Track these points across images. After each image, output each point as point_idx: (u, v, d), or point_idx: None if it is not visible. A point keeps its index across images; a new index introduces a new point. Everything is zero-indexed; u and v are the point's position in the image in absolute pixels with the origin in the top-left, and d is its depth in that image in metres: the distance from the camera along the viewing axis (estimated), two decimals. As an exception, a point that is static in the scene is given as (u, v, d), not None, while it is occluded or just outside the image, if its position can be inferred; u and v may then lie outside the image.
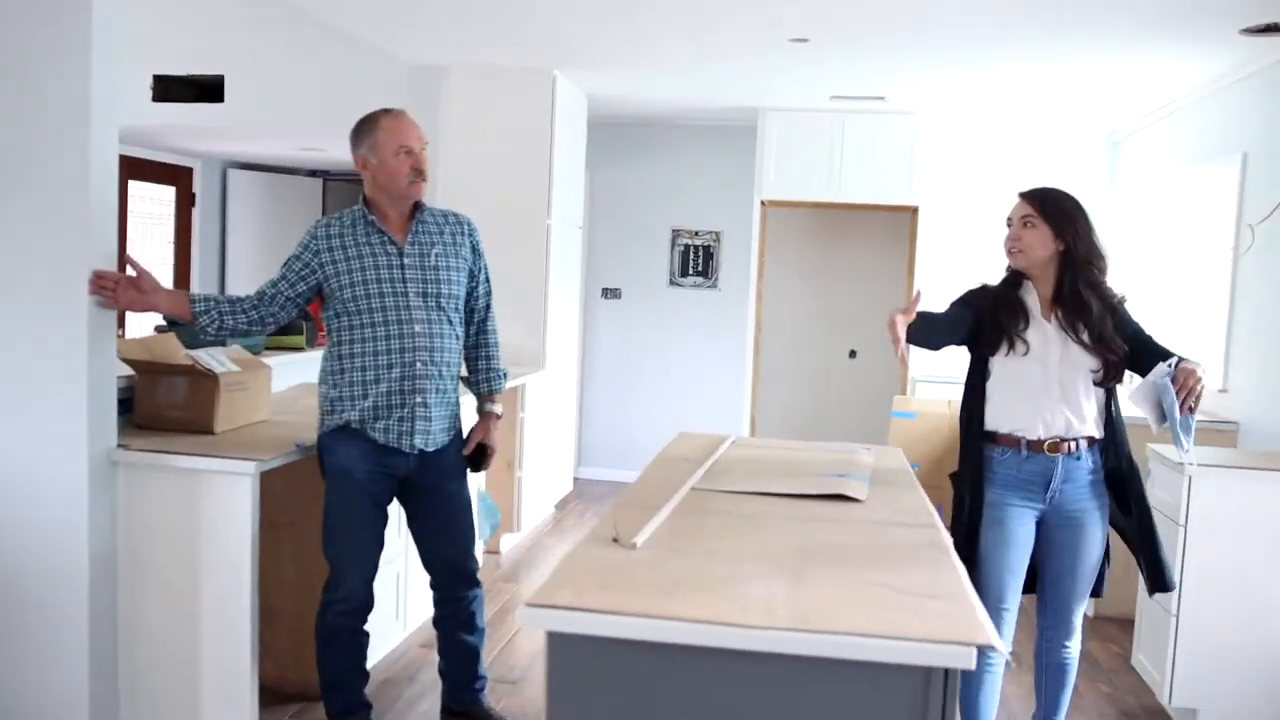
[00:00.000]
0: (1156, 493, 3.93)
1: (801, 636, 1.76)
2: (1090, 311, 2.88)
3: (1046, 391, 2.91)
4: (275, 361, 4.06)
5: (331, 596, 3.13)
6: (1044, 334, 2.93)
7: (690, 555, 2.17)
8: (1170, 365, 2.78)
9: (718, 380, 7.44)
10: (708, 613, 1.81)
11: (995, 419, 3.00)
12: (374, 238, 3.07)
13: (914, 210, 6.67)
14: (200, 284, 7.28)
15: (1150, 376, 2.81)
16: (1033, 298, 2.99)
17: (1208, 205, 5.26)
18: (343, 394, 3.06)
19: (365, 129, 3.05)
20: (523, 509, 5.69)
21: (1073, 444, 2.91)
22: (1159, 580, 2.97)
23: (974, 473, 3.03)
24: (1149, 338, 2.98)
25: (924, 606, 1.89)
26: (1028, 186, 3.03)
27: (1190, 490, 3.64)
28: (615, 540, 2.25)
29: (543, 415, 5.98)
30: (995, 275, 7.05)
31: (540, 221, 5.85)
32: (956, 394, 6.73)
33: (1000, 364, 2.97)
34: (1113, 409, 2.98)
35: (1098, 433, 2.94)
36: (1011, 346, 2.93)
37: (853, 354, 7.34)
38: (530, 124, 5.80)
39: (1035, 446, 2.92)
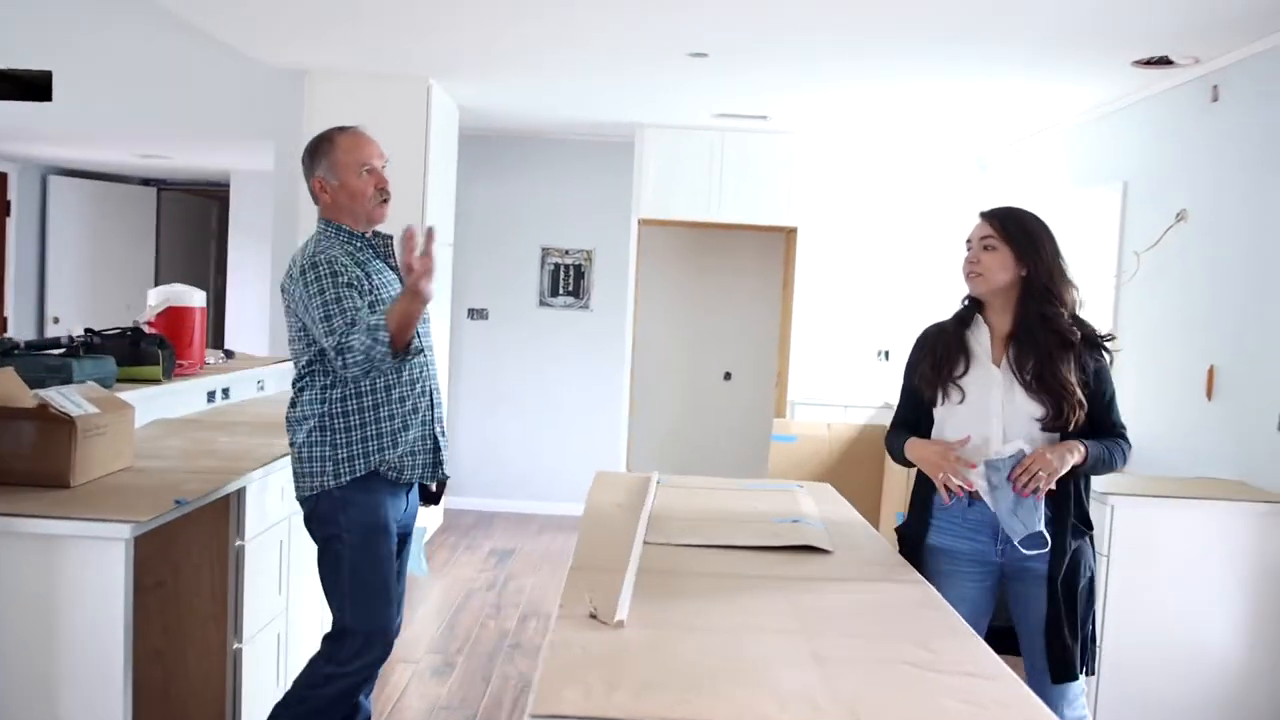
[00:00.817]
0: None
1: (860, 739, 1.53)
2: (1039, 347, 2.57)
3: (986, 442, 2.58)
4: (127, 398, 3.56)
5: (345, 668, 2.76)
6: (986, 378, 2.62)
7: (685, 633, 1.91)
8: (1018, 451, 2.51)
9: (591, 403, 7.18)
10: (748, 715, 1.56)
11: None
12: (378, 262, 2.84)
13: (792, 231, 6.62)
14: (15, 303, 6.51)
15: (1003, 452, 2.54)
16: (983, 335, 2.68)
17: (1089, 231, 5.37)
18: (368, 435, 2.72)
19: (321, 149, 2.78)
20: (397, 549, 5.27)
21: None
22: (1060, 667, 2.58)
23: (919, 517, 2.75)
24: (1106, 405, 2.63)
25: (975, 692, 1.69)
26: (989, 206, 2.75)
27: (1113, 520, 3.62)
28: (593, 616, 1.97)
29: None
30: (872, 296, 6.95)
31: (413, 239, 5.46)
32: (835, 416, 6.85)
33: (940, 412, 2.69)
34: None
35: (1051, 484, 2.52)
36: (946, 395, 2.65)
37: (728, 376, 7.22)
38: (403, 136, 5.40)
39: (978, 496, 2.60)
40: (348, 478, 2.71)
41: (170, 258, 8.16)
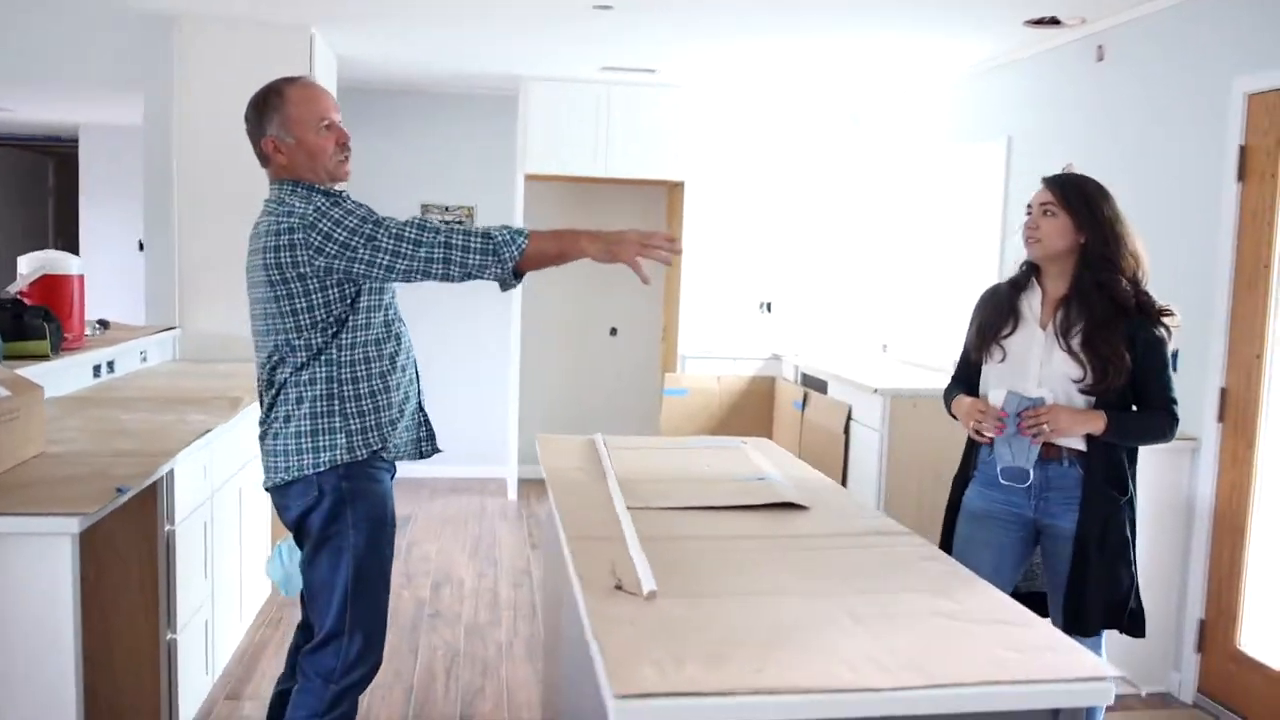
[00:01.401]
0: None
1: (937, 694, 1.56)
2: (1092, 313, 2.61)
3: (1043, 392, 2.64)
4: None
5: (350, 677, 2.49)
6: (1029, 339, 2.71)
7: (717, 600, 1.90)
8: (1039, 398, 2.61)
9: (478, 362, 7.05)
10: (825, 679, 1.57)
11: None
12: None
13: (679, 185, 6.62)
14: None
15: (1028, 392, 2.65)
16: (1034, 298, 2.75)
17: (973, 184, 5.57)
18: (379, 406, 2.50)
19: (270, 104, 2.46)
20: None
21: (1057, 451, 2.66)
22: (1072, 619, 2.62)
23: (962, 468, 2.91)
24: (1154, 378, 2.61)
25: (1016, 638, 1.75)
26: (1050, 173, 2.81)
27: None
28: (619, 588, 1.94)
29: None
30: (755, 249, 7.04)
31: (299, 198, 5.18)
32: (723, 369, 6.94)
33: (986, 369, 2.81)
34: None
35: (1083, 445, 2.63)
36: (989, 354, 2.77)
37: (614, 331, 7.20)
38: (285, 87, 5.10)
39: (1005, 473, 2.71)
40: (364, 452, 2.45)
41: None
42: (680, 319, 6.64)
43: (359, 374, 2.47)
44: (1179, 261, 3.86)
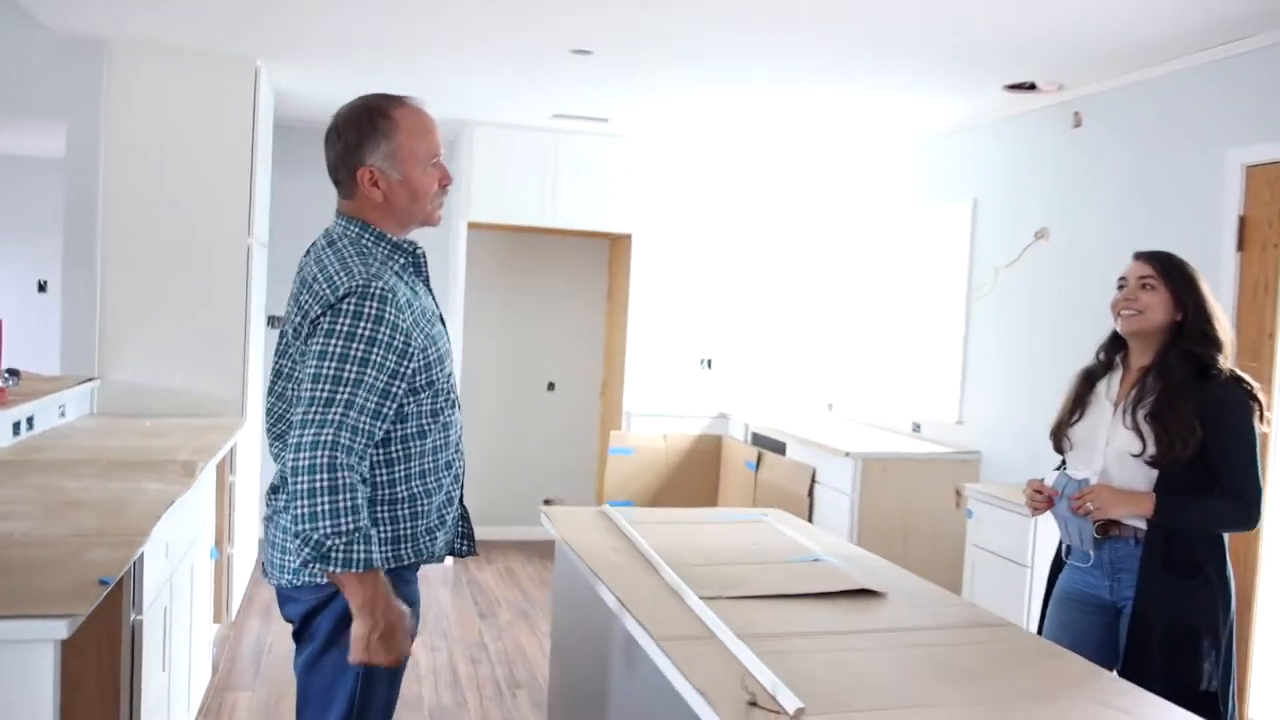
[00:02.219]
0: (985, 533, 4.00)
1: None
2: (1170, 380, 2.50)
3: (1092, 470, 2.60)
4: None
5: None
6: (1097, 419, 2.65)
7: (875, 716, 1.68)
8: (1084, 479, 2.57)
9: (406, 419, 6.67)
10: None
11: None
12: (420, 286, 2.16)
13: (624, 237, 6.43)
14: None
15: (1068, 473, 2.64)
16: (1114, 380, 2.68)
17: (936, 244, 5.54)
18: (419, 511, 2.10)
19: (377, 127, 2.05)
20: (233, 592, 4.61)
21: (1123, 529, 2.56)
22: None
23: (1058, 550, 2.79)
24: (1223, 457, 2.46)
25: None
26: (1146, 249, 2.71)
27: (1035, 532, 3.71)
28: (754, 704, 1.70)
29: (251, 478, 4.93)
30: (703, 304, 6.89)
31: (239, 241, 4.79)
32: (671, 427, 6.70)
33: (1065, 457, 2.76)
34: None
35: (1141, 524, 2.52)
36: (1061, 446, 2.76)
37: (551, 386, 6.92)
38: (226, 124, 4.72)
39: (1070, 552, 2.71)
40: (395, 564, 2.07)
41: None
42: (626, 374, 6.41)
43: (395, 475, 2.07)
44: (1175, 329, 3.84)
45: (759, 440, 6.02)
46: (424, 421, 2.09)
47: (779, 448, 5.75)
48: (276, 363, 2.19)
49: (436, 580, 5.84)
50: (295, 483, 1.89)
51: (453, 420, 2.18)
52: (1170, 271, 2.59)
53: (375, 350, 1.94)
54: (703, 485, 6.39)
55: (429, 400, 2.09)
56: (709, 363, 6.64)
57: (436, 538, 2.16)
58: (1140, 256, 2.67)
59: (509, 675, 4.41)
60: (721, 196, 6.52)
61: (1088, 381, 2.73)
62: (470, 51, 4.49)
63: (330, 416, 1.90)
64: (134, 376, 4.59)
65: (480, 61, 4.66)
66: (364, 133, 2.05)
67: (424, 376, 2.07)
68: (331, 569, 1.89)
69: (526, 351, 6.85)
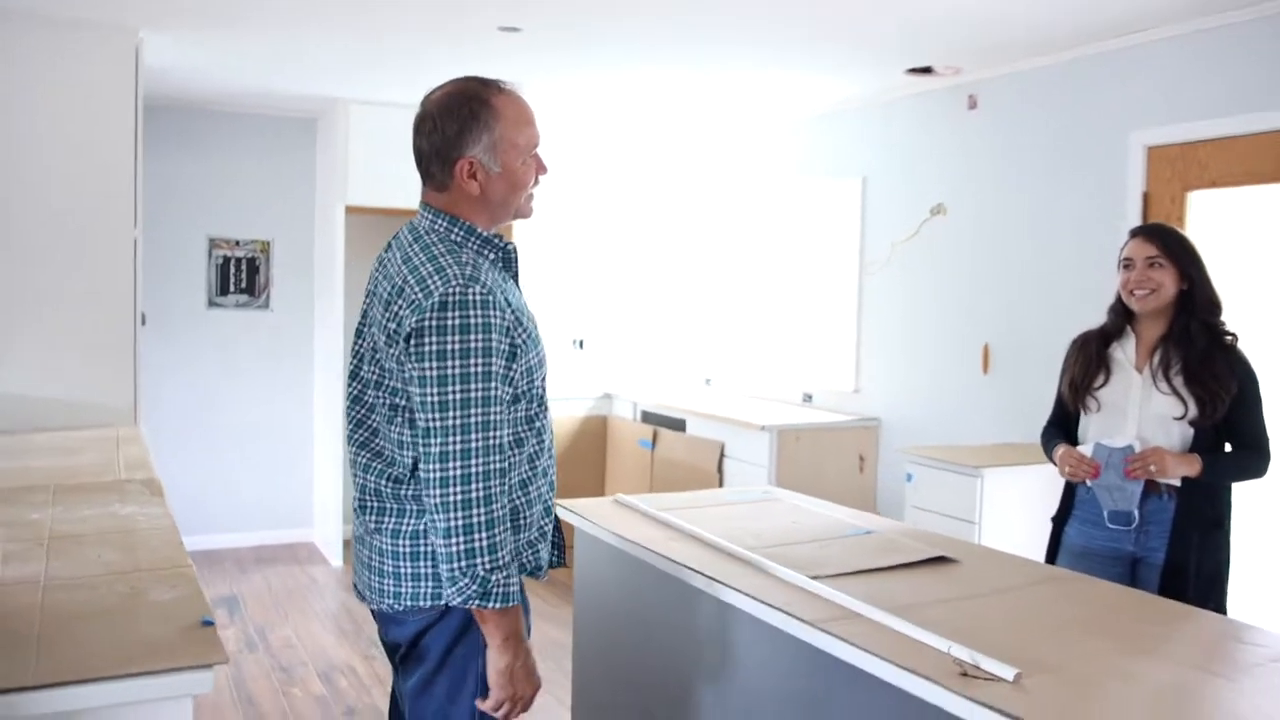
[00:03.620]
0: (926, 494, 4.23)
1: None
2: (1195, 348, 2.72)
3: (1128, 439, 2.77)
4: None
5: None
6: (1125, 384, 2.82)
7: (1087, 676, 1.79)
8: (1128, 445, 2.75)
9: (277, 417, 6.29)
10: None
11: None
12: (512, 284, 2.04)
13: (507, 219, 6.29)
14: None
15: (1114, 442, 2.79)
16: (1129, 345, 2.86)
17: (826, 220, 5.75)
18: (535, 516, 2.02)
19: (479, 117, 1.93)
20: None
21: (1156, 487, 2.76)
22: None
23: (1061, 507, 2.96)
24: (1246, 413, 2.71)
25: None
26: (1144, 224, 2.95)
27: (982, 491, 3.97)
28: (965, 675, 1.77)
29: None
30: (574, 285, 7.04)
31: (124, 233, 4.35)
32: (557, 410, 6.60)
33: (1085, 419, 2.91)
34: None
35: (1177, 481, 2.73)
36: (1086, 407, 2.88)
37: (425, 375, 6.70)
38: (108, 100, 4.28)
39: (1113, 517, 2.82)
40: (519, 583, 1.94)
41: None
42: (510, 359, 6.29)
43: (522, 476, 2.00)
44: (1078, 296, 4.17)
45: (651, 418, 6.08)
46: (520, 429, 1.99)
47: (677, 424, 5.84)
48: (354, 363, 2.07)
49: (332, 584, 5.57)
50: (449, 519, 1.79)
51: (546, 425, 2.09)
52: (1173, 247, 2.80)
53: (494, 360, 1.85)
54: (590, 467, 6.40)
55: (525, 406, 2.00)
56: (580, 343, 6.63)
57: (539, 550, 2.08)
58: (1141, 234, 2.86)
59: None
60: (601, 176, 6.51)
61: (1104, 345, 2.90)
62: (344, 24, 4.26)
63: (474, 445, 1.81)
64: (21, 387, 4.11)
65: (354, 34, 4.42)
66: (466, 122, 1.93)
67: (525, 381, 1.98)
68: (492, 605, 1.81)
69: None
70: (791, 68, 4.84)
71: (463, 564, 1.79)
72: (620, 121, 6.34)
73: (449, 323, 1.82)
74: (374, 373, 2.01)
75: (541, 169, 2.07)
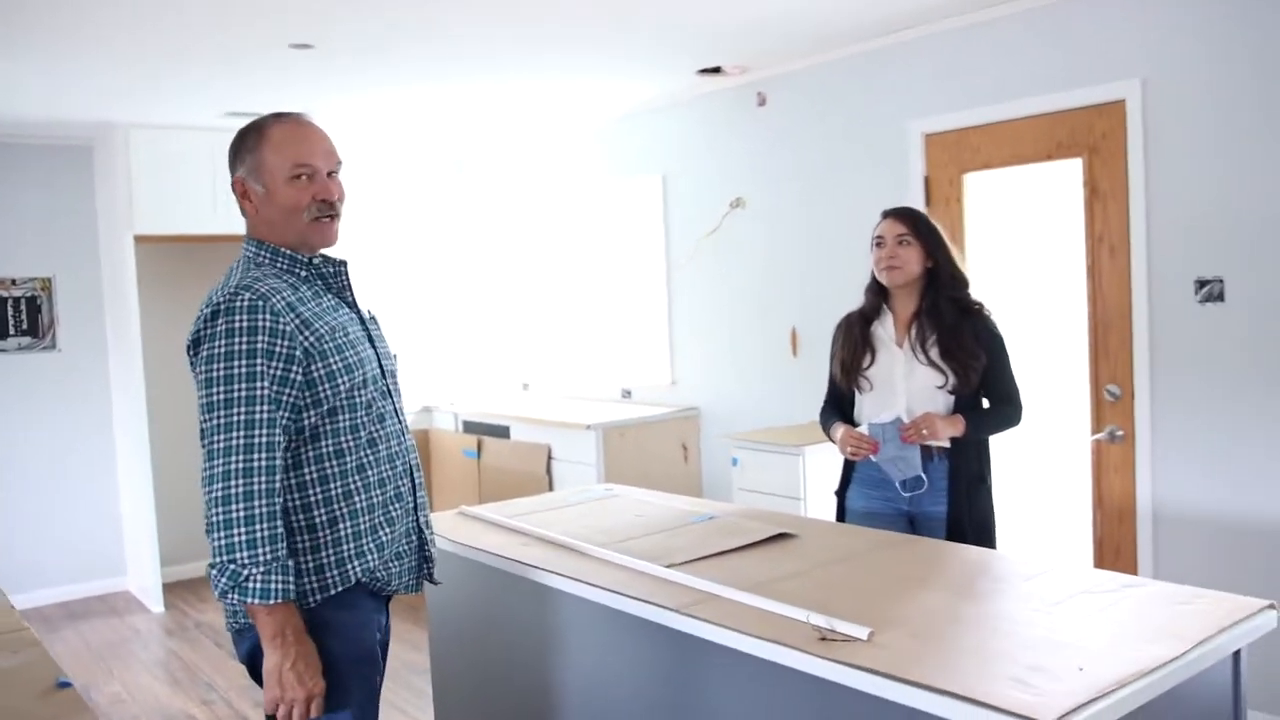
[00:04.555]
0: (753, 476, 4.44)
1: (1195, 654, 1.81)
2: (944, 322, 2.96)
3: (895, 412, 2.96)
4: None
5: None
6: (890, 361, 3.03)
7: (926, 626, 1.97)
8: (896, 418, 2.93)
9: (77, 462, 5.92)
10: (1144, 662, 1.73)
11: None
12: (329, 297, 2.13)
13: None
14: None
15: (882, 419, 2.96)
16: (888, 321, 3.07)
17: (633, 220, 5.90)
18: (343, 535, 2.04)
19: (246, 141, 2.09)
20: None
21: (930, 452, 2.97)
22: None
23: (842, 480, 3.16)
24: (998, 372, 2.99)
25: (1192, 605, 2.05)
26: (895, 207, 3.12)
27: (805, 470, 4.21)
28: (824, 639, 1.92)
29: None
30: (405, 289, 7.06)
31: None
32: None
33: (860, 398, 3.09)
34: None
35: (947, 443, 2.96)
36: (859, 387, 3.08)
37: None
38: None
39: (904, 485, 3.00)
40: (321, 595, 2.00)
41: None
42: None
43: (317, 497, 2.01)
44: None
45: (474, 427, 6.08)
46: (343, 440, 2.06)
47: (501, 432, 5.87)
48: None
49: (157, 631, 5.31)
50: (211, 514, 1.88)
51: (382, 435, 2.14)
52: (920, 227, 3.05)
53: (259, 361, 1.94)
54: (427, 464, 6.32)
55: (347, 417, 2.06)
56: (394, 358, 6.53)
57: (378, 555, 2.10)
58: (892, 215, 3.09)
59: (306, 707, 4.18)
60: (406, 190, 6.44)
61: (865, 326, 3.10)
62: (126, 47, 4.09)
63: (235, 443, 1.89)
64: None
65: (132, 56, 4.24)
66: (238, 148, 2.11)
67: (330, 390, 2.02)
68: (250, 600, 1.87)
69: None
70: (589, 73, 4.94)
71: (222, 559, 1.87)
72: (424, 134, 6.29)
73: (217, 329, 1.94)
74: None
75: (325, 192, 2.11)
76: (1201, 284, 3.54)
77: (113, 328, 5.90)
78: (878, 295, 3.14)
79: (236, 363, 1.92)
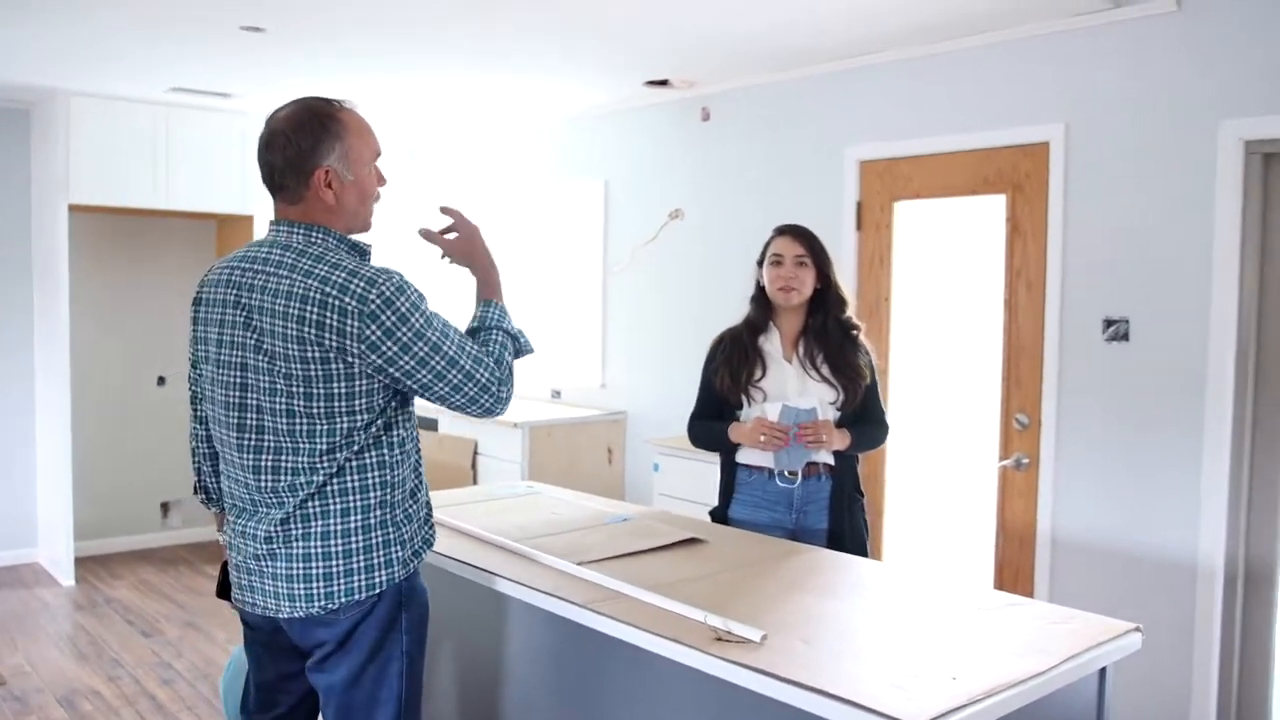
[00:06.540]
0: (673, 481, 4.53)
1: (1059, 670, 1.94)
2: (831, 341, 3.06)
3: (811, 404, 3.02)
4: None
5: None
6: (782, 375, 3.06)
7: (817, 631, 2.07)
8: (813, 407, 3.00)
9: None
10: (1014, 673, 1.85)
11: (746, 456, 3.12)
12: None
13: (249, 218, 6.10)
14: None
15: (800, 405, 3.04)
16: (774, 337, 3.10)
17: (572, 226, 5.97)
18: (421, 504, 2.25)
19: (329, 129, 2.08)
20: None
21: (815, 469, 3.05)
22: None
23: (722, 498, 3.18)
24: (870, 393, 3.10)
25: (1045, 618, 2.18)
26: (786, 222, 3.16)
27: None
28: (721, 639, 2.01)
29: None
30: None
31: None
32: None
33: (745, 411, 3.10)
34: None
35: (832, 460, 3.05)
36: (750, 398, 3.07)
37: (161, 380, 6.39)
38: None
39: (781, 476, 3.05)
40: (417, 562, 2.20)
41: None
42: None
43: (405, 474, 2.18)
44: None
45: (404, 418, 6.09)
46: (408, 423, 2.22)
47: (429, 424, 5.90)
48: (238, 377, 2.08)
49: (66, 605, 5.25)
50: (479, 371, 2.11)
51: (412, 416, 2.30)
52: (816, 248, 3.09)
53: (436, 317, 2.12)
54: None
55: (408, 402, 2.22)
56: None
57: (429, 522, 2.28)
58: (789, 233, 3.11)
59: (214, 688, 4.19)
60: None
61: (754, 340, 3.12)
62: (75, 14, 4.07)
63: (459, 341, 2.12)
64: None
65: (79, 24, 4.21)
66: (319, 135, 2.08)
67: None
68: (530, 349, 2.33)
69: (136, 345, 6.27)
70: (538, 73, 4.99)
71: (504, 372, 2.20)
72: (377, 121, 6.21)
73: (410, 296, 2.05)
74: (268, 380, 2.05)
75: (381, 180, 2.22)
76: (1109, 323, 3.71)
77: (39, 296, 5.82)
78: (764, 309, 3.16)
79: (426, 315, 2.07)
